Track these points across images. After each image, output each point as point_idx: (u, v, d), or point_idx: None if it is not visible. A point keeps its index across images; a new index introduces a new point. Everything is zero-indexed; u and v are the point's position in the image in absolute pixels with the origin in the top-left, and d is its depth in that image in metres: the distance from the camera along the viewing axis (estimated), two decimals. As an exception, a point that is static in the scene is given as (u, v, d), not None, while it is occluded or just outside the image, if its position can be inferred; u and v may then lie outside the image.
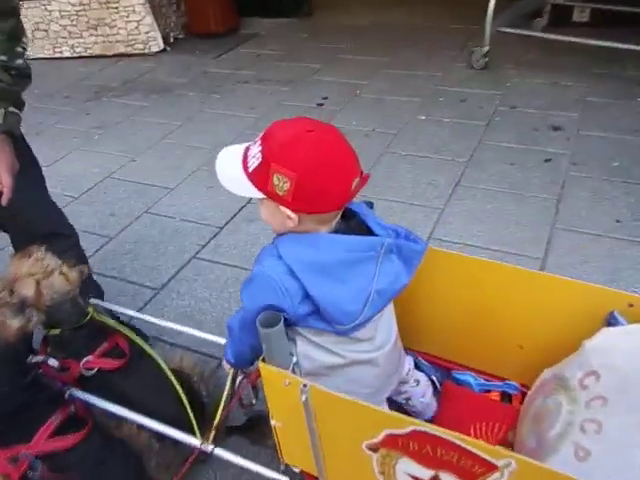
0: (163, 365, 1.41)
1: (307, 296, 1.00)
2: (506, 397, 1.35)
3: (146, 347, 1.46)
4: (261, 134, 1.03)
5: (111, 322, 1.49)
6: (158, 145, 3.55)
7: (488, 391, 1.36)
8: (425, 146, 3.22)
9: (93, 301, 1.50)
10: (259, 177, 1.00)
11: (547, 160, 2.99)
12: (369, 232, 1.08)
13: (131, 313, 1.76)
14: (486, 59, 4.07)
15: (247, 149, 1.05)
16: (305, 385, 0.94)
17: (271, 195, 1.01)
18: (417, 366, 1.38)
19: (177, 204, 2.94)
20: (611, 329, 1.05)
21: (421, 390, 1.34)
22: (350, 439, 1.01)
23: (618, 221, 2.50)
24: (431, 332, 1.40)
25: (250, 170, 1.02)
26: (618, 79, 3.77)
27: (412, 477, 0.97)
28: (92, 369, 1.39)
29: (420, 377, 1.35)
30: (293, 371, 1.04)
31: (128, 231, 2.76)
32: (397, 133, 3.39)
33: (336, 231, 1.06)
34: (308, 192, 0.98)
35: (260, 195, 1.02)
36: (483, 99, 3.71)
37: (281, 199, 1.00)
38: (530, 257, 2.33)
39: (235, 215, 2.79)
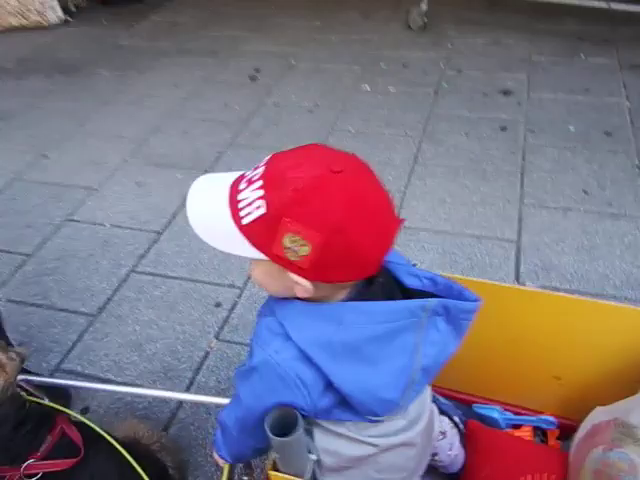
0: (123, 451, 1.12)
1: (329, 385, 0.76)
2: (539, 433, 1.17)
3: (99, 430, 1.16)
4: (261, 169, 0.74)
5: (51, 405, 1.17)
6: (73, 136, 3.09)
7: (518, 426, 1.18)
8: (375, 121, 2.98)
9: (20, 378, 1.16)
10: (260, 234, 0.72)
11: (503, 128, 2.84)
12: (398, 286, 0.83)
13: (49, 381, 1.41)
14: (425, 19, 3.83)
15: (235, 189, 0.76)
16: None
17: (278, 260, 0.73)
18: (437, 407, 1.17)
19: (104, 207, 2.55)
20: None
21: (448, 443, 1.13)
22: None
23: (585, 192, 2.39)
24: (449, 363, 1.19)
25: (245, 222, 0.73)
26: (560, 35, 3.66)
27: None
28: (36, 475, 1.08)
29: (445, 426, 1.14)
30: (313, 474, 0.80)
31: (49, 246, 2.36)
32: (343, 108, 3.12)
33: (358, 294, 0.79)
34: (335, 258, 0.71)
35: (259, 256, 0.74)
36: (426, 63, 3.50)
37: (293, 266, 0.72)
38: (505, 240, 2.18)
39: (175, 216, 2.45)
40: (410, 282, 0.83)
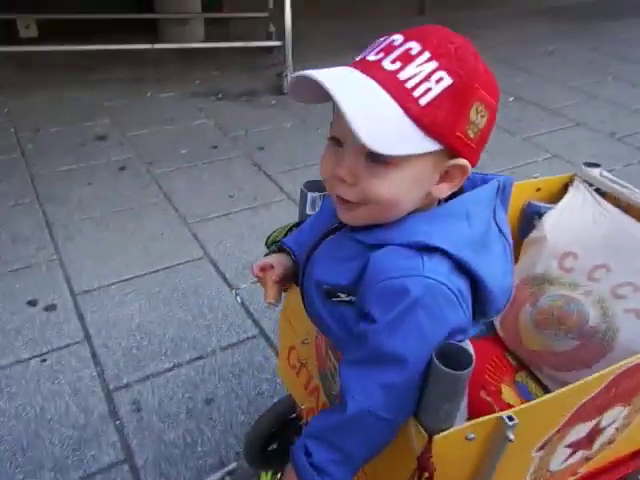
0: None
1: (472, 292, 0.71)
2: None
3: None
4: (413, 44, 0.65)
5: None
6: None
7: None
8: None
9: None
10: (446, 110, 0.64)
11: (122, 168, 2.73)
12: None
13: None
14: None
15: (382, 71, 0.64)
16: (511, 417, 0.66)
17: (456, 143, 0.66)
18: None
19: None
20: (552, 213, 1.06)
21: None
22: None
23: (231, 196, 2.54)
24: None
25: (425, 102, 0.63)
26: (118, 81, 3.73)
27: (571, 447, 0.81)
28: None
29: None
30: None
31: None
32: None
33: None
34: (489, 133, 0.70)
35: (429, 148, 0.65)
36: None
37: (467, 147, 0.68)
38: (196, 259, 2.12)
39: None
40: None
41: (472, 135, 0.67)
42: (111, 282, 1.98)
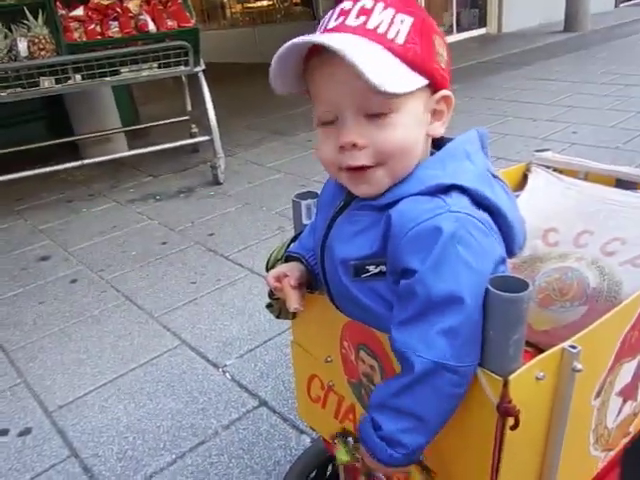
0: None
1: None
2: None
3: None
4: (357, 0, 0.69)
5: None
6: None
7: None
8: None
9: None
10: (420, 46, 0.68)
11: (73, 280, 2.62)
12: None
13: None
14: None
15: (346, 27, 0.68)
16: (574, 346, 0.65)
17: (436, 75, 0.71)
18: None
19: None
20: (521, 198, 1.11)
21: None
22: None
23: (194, 282, 2.48)
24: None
25: (401, 40, 0.67)
26: (52, 205, 3.67)
27: (621, 395, 0.80)
28: None
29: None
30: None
31: None
32: None
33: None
34: (450, 63, 0.74)
35: (420, 83, 0.69)
36: None
37: (444, 79, 0.73)
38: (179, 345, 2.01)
39: None
40: None
41: (443, 65, 0.72)
42: (87, 391, 1.84)
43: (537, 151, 1.38)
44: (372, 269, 0.72)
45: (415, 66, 0.68)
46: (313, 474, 1.18)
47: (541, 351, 1.18)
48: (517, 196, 1.29)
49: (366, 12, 0.67)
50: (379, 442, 0.67)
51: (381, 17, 0.67)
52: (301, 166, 3.77)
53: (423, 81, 0.69)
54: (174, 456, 1.54)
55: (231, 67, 8.36)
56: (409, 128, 0.70)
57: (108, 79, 3.30)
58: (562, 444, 0.73)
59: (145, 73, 3.35)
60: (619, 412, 0.92)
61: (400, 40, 0.67)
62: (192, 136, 4.25)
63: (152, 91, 6.17)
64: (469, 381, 0.66)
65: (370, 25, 0.67)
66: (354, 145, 0.69)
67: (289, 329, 1.07)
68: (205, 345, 2.01)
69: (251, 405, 1.69)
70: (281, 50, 0.67)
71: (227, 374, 1.84)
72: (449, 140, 0.77)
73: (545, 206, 1.26)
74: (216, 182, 3.67)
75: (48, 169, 3.47)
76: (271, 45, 1.01)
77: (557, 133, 3.89)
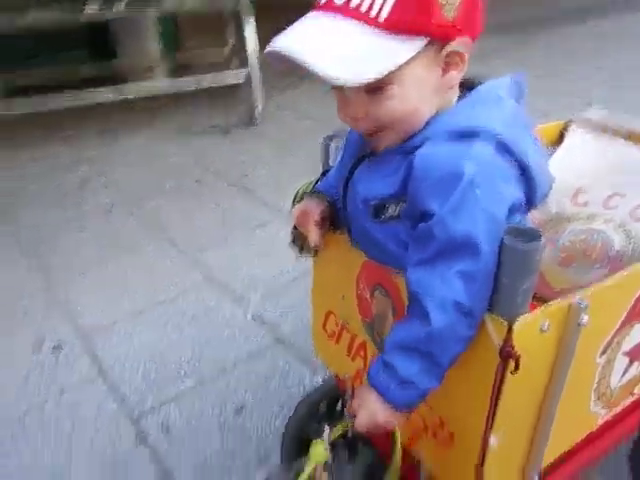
0: None
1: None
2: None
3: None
4: None
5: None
6: None
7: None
8: None
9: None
10: (412, 8, 0.64)
11: (109, 210, 2.71)
12: None
13: None
14: None
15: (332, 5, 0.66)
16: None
17: (438, 31, 0.66)
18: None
19: None
20: (555, 156, 1.12)
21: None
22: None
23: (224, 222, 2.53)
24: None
25: (387, 11, 0.63)
26: (94, 133, 3.75)
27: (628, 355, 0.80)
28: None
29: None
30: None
31: None
32: None
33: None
34: (473, 4, 0.69)
35: (416, 47, 0.66)
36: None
37: (453, 29, 0.67)
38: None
39: None
40: None
41: (451, 15, 0.66)
42: (117, 318, 1.93)
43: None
44: (391, 211, 0.74)
45: (407, 31, 0.65)
46: (324, 408, 1.23)
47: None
48: (552, 153, 1.27)
49: None
50: (396, 386, 0.69)
51: None
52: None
53: (418, 43, 0.66)
54: (194, 382, 1.63)
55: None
56: (411, 95, 0.70)
57: (152, 9, 3.29)
58: (560, 396, 0.75)
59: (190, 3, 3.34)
60: (625, 372, 0.93)
61: (387, 10, 0.64)
62: (232, 76, 4.21)
63: (199, 24, 6.09)
64: (478, 324, 0.68)
65: (353, 4, 0.65)
66: (354, 117, 0.73)
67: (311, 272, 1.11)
68: (232, 283, 2.07)
69: (270, 341, 1.75)
70: (265, 53, 0.68)
71: (250, 311, 1.90)
72: (480, 83, 0.76)
73: (579, 164, 1.23)
74: (253, 123, 3.66)
75: (89, 101, 3.52)
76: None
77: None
